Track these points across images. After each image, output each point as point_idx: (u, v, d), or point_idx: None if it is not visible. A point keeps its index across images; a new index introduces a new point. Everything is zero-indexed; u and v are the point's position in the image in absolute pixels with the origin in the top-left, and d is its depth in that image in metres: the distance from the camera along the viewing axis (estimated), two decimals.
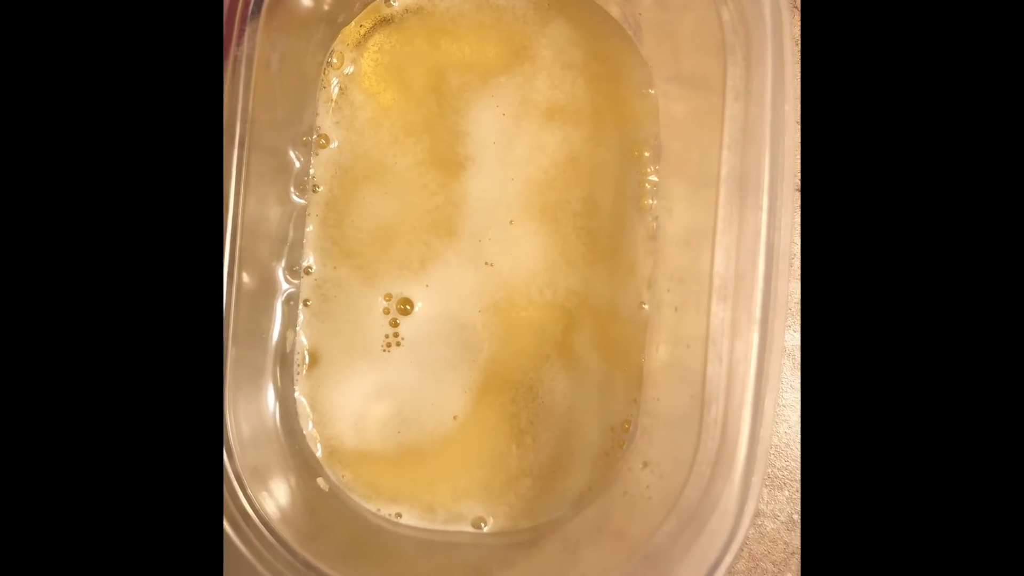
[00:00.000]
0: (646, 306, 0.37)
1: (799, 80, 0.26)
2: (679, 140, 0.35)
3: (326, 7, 0.35)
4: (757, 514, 0.38)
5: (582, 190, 0.37)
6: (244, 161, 0.30)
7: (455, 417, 0.36)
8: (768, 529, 0.38)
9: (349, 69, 0.37)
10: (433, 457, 0.36)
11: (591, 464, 0.36)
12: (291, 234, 0.36)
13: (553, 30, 0.38)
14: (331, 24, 0.36)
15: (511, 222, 0.37)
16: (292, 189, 0.36)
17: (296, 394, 0.36)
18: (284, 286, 0.35)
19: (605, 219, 0.37)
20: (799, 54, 0.39)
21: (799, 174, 0.39)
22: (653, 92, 0.37)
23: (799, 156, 0.39)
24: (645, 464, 0.34)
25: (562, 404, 0.36)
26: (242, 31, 0.30)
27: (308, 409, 0.36)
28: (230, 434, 0.30)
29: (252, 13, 0.31)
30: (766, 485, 0.38)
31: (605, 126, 0.37)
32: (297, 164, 0.36)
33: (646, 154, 0.37)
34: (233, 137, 0.30)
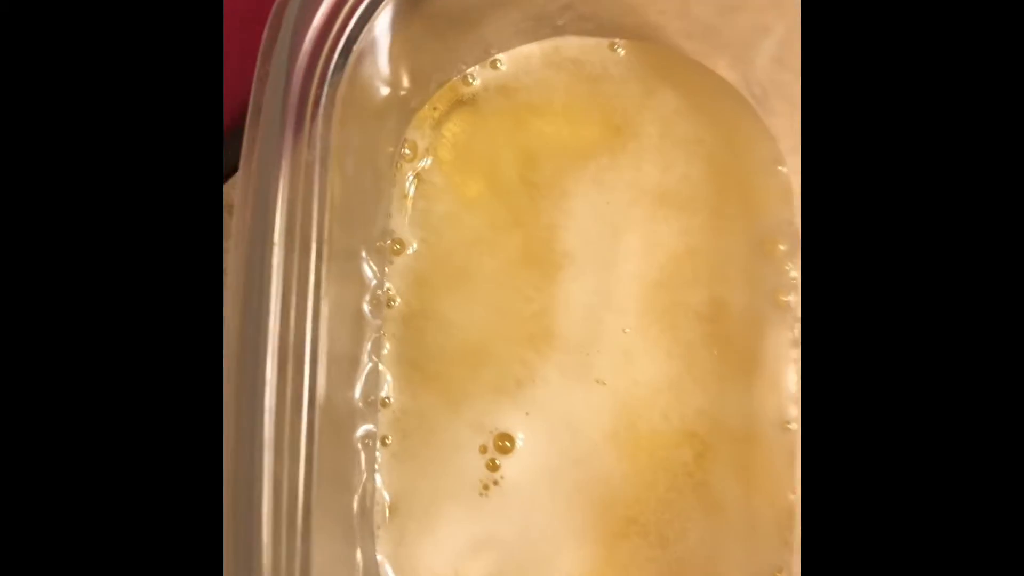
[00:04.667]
0: (792, 426, 0.31)
1: None
2: None
3: (402, 92, 0.30)
4: None
5: (706, 289, 0.32)
6: (315, 274, 0.25)
7: None
8: None
9: (425, 161, 0.32)
10: None
11: None
12: (365, 359, 0.30)
13: (658, 102, 0.33)
14: (403, 110, 0.31)
15: (624, 330, 0.31)
16: (367, 307, 0.30)
17: (378, 556, 0.30)
18: (358, 422, 0.30)
19: (736, 323, 0.32)
20: None
21: None
22: (784, 170, 0.32)
23: None
24: None
25: (699, 552, 0.30)
26: (299, 127, 0.25)
27: (391, 573, 0.30)
28: None
29: (314, 103, 0.26)
30: None
31: (728, 212, 0.32)
32: (370, 275, 0.31)
33: (780, 247, 0.31)
34: (295, 250, 0.25)
